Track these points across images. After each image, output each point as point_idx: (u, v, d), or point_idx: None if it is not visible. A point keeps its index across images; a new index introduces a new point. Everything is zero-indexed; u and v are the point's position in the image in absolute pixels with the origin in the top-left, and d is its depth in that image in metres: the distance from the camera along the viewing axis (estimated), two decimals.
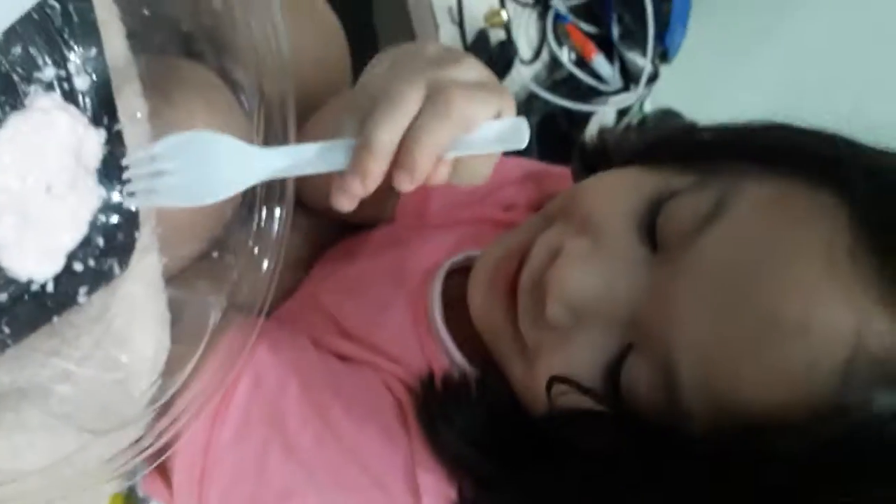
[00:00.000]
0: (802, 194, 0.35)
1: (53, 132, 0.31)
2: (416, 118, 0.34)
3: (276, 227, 0.37)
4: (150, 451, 0.32)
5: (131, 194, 0.33)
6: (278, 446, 0.41)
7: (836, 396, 0.31)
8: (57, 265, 0.31)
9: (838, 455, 0.31)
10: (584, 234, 0.39)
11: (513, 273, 0.41)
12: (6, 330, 0.31)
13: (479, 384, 0.44)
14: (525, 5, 0.80)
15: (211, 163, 0.34)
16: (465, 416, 0.42)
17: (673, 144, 0.47)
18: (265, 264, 0.37)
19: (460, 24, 0.71)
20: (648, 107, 1.07)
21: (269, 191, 0.38)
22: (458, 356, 0.46)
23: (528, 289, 0.40)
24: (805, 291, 0.32)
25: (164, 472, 0.54)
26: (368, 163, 0.34)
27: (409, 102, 0.34)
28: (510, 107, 0.37)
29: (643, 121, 0.97)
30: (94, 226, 0.34)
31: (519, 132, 0.35)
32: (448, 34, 0.71)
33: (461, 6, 0.71)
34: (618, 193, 0.40)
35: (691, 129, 0.49)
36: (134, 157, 0.34)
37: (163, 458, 0.36)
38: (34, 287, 0.31)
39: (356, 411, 0.43)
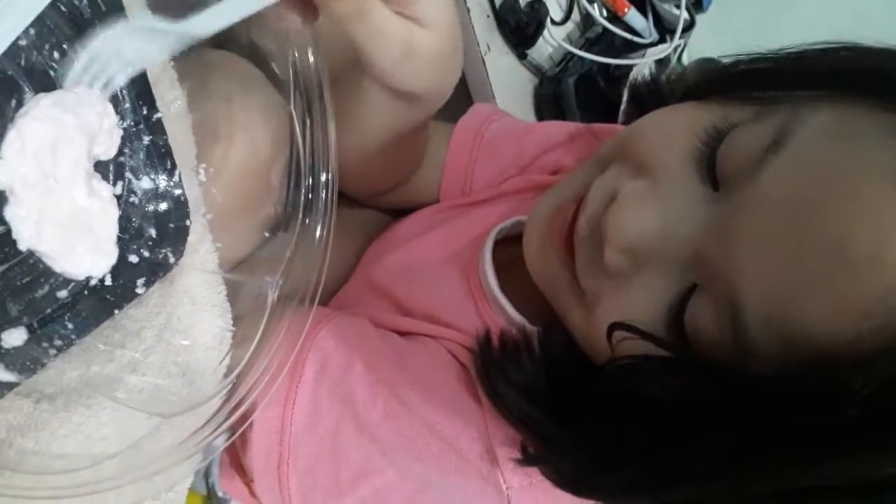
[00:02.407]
0: (867, 117, 0.33)
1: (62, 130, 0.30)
2: None
3: (323, 195, 0.36)
4: (221, 429, 0.32)
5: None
6: (350, 426, 0.41)
7: None
8: (112, 256, 0.31)
9: None
10: (641, 176, 0.38)
11: (569, 220, 0.40)
12: (70, 326, 0.30)
13: (539, 338, 0.43)
14: None
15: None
16: (525, 371, 0.41)
17: (730, 77, 0.44)
18: (318, 234, 0.36)
19: None
20: (686, 58, 1.04)
21: (314, 159, 0.37)
22: (515, 314, 0.46)
23: (586, 235, 0.39)
24: (876, 220, 0.30)
25: (241, 469, 0.55)
26: None
27: None
28: None
29: (683, 73, 0.94)
30: (145, 216, 0.34)
31: None
32: (474, 1, 0.69)
33: None
34: (674, 131, 0.38)
35: (748, 60, 0.47)
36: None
37: (234, 437, 0.36)
38: (93, 282, 0.31)
39: (423, 381, 0.43)
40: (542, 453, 0.40)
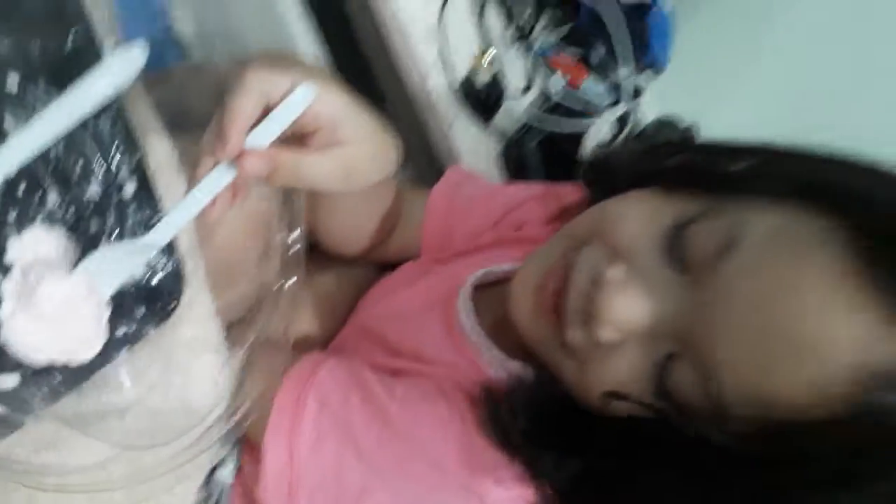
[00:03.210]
0: (803, 222, 0.40)
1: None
2: None
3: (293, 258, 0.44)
4: (211, 442, 0.39)
5: None
6: (350, 451, 0.48)
7: (852, 401, 0.36)
8: (98, 347, 0.37)
9: (855, 450, 0.36)
10: (619, 261, 0.45)
11: (555, 293, 0.47)
12: (59, 377, 0.36)
13: (536, 380, 0.50)
14: (507, 46, 0.87)
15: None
16: (529, 414, 0.47)
17: (686, 172, 0.52)
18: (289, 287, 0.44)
19: (448, 72, 0.79)
20: (650, 115, 1.12)
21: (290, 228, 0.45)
22: (496, 353, 0.52)
23: (576, 309, 0.46)
24: (817, 314, 0.37)
25: (251, 500, 0.61)
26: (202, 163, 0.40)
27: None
28: (283, 87, 0.41)
29: (642, 132, 1.03)
30: (137, 298, 0.40)
31: (305, 94, 0.41)
32: (437, 82, 0.78)
33: (445, 55, 0.79)
34: (642, 221, 0.46)
35: (674, 150, 0.55)
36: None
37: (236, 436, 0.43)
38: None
39: (410, 408, 0.49)
40: (545, 481, 0.46)
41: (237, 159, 0.39)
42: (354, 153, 0.44)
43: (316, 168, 0.43)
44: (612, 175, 0.56)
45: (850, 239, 0.38)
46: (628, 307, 0.43)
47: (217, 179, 0.40)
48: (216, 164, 0.40)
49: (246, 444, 0.59)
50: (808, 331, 0.37)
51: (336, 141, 0.43)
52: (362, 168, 0.45)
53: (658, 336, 0.43)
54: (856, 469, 0.37)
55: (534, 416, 0.47)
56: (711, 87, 1.20)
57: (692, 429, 0.40)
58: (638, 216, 0.46)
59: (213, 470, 0.58)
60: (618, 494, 0.45)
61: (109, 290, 0.37)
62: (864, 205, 0.40)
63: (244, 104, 0.40)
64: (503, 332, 0.53)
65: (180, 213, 0.40)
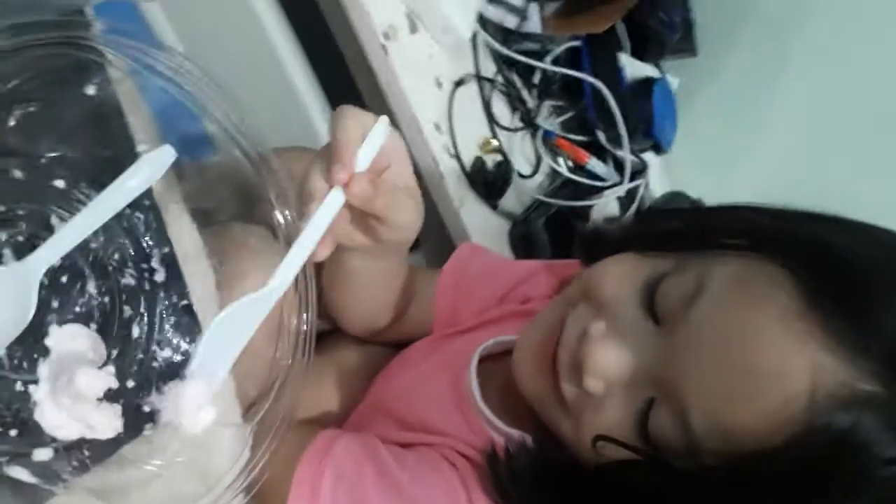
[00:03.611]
0: (758, 269, 0.45)
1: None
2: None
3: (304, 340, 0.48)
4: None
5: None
6: None
7: (805, 423, 0.39)
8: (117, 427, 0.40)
9: (815, 467, 0.39)
10: (602, 315, 0.49)
11: (551, 351, 0.51)
12: (87, 453, 0.39)
13: (536, 445, 0.52)
14: (514, 130, 0.92)
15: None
16: (529, 476, 0.50)
17: (653, 231, 0.58)
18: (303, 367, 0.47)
19: (457, 157, 0.84)
20: (658, 191, 1.16)
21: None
22: (496, 421, 0.56)
23: (567, 363, 0.50)
24: (771, 348, 0.41)
25: None
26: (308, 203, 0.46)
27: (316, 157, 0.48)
28: (369, 123, 0.48)
29: (651, 206, 1.06)
30: (161, 376, 0.43)
31: (384, 128, 0.47)
32: (447, 166, 0.83)
33: (455, 140, 0.84)
34: (621, 280, 0.50)
35: (661, 217, 0.60)
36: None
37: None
38: None
39: (421, 479, 0.52)
40: None
41: (346, 185, 0.45)
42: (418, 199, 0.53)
43: (404, 200, 0.51)
44: (600, 245, 0.60)
45: (796, 282, 0.42)
46: (609, 358, 0.47)
47: (331, 205, 0.45)
48: (329, 189, 0.46)
49: None
50: (766, 364, 0.41)
51: (402, 180, 0.51)
52: (419, 216, 0.53)
53: (638, 383, 0.46)
54: (815, 486, 0.39)
55: (533, 479, 0.50)
56: (717, 162, 1.24)
57: (672, 468, 0.44)
58: (616, 276, 0.51)
59: None
60: None
61: (239, 343, 0.42)
62: (808, 252, 0.44)
63: (353, 134, 0.46)
64: (508, 402, 0.56)
65: (300, 249, 0.44)
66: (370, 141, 0.47)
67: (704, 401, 0.42)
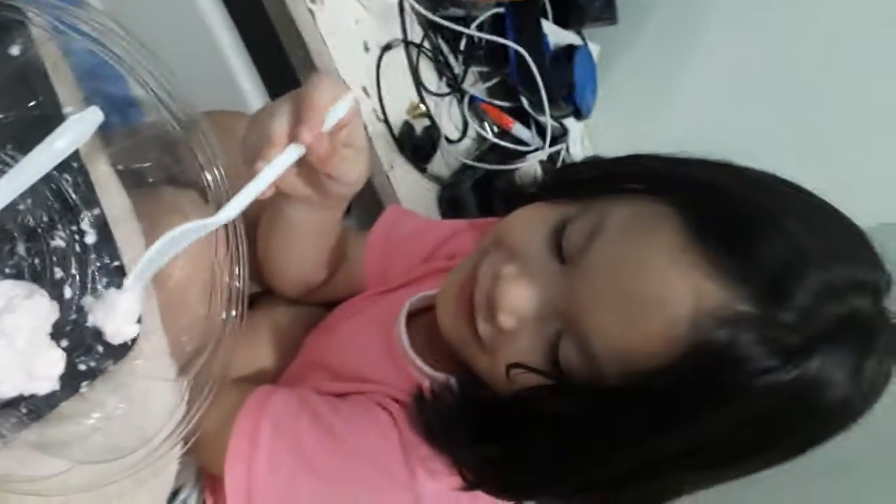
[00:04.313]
0: (649, 209, 0.49)
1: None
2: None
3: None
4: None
5: None
6: (302, 469, 0.53)
7: (690, 342, 0.44)
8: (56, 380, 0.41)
9: (698, 381, 0.44)
10: (513, 259, 0.53)
11: (469, 295, 0.55)
12: (24, 410, 0.39)
13: (457, 383, 0.57)
14: (442, 95, 0.94)
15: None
16: (451, 411, 0.55)
17: (562, 182, 0.63)
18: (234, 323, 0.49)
19: (385, 121, 0.85)
20: (579, 155, 1.21)
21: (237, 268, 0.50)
22: (425, 367, 0.60)
23: (482, 305, 0.54)
24: (658, 276, 0.46)
25: None
26: (268, 146, 0.49)
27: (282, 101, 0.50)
28: (341, 93, 0.51)
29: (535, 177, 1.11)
30: (95, 337, 0.44)
31: (347, 99, 0.51)
32: (376, 130, 0.84)
33: (383, 105, 0.86)
34: (531, 225, 0.54)
35: (571, 169, 0.64)
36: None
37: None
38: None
39: (355, 424, 0.56)
40: (471, 469, 0.54)
41: (309, 141, 0.48)
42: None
43: (355, 159, 0.55)
44: (516, 198, 0.65)
45: (682, 218, 0.46)
46: (519, 294, 0.51)
47: (289, 156, 0.48)
48: (289, 145, 0.49)
49: (207, 480, 0.63)
50: (653, 292, 0.45)
51: (356, 140, 0.54)
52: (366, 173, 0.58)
53: (546, 317, 0.50)
54: (700, 396, 0.44)
55: (454, 413, 0.55)
56: (636, 128, 1.30)
57: (578, 390, 0.48)
58: (525, 223, 0.55)
59: None
60: (521, 467, 0.53)
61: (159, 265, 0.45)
62: (693, 191, 0.49)
63: (325, 99, 0.50)
64: (434, 350, 0.61)
65: (252, 188, 0.46)
66: (336, 108, 0.50)
67: (602, 328, 0.47)
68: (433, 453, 0.54)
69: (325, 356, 0.66)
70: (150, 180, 0.53)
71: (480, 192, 0.92)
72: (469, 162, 0.93)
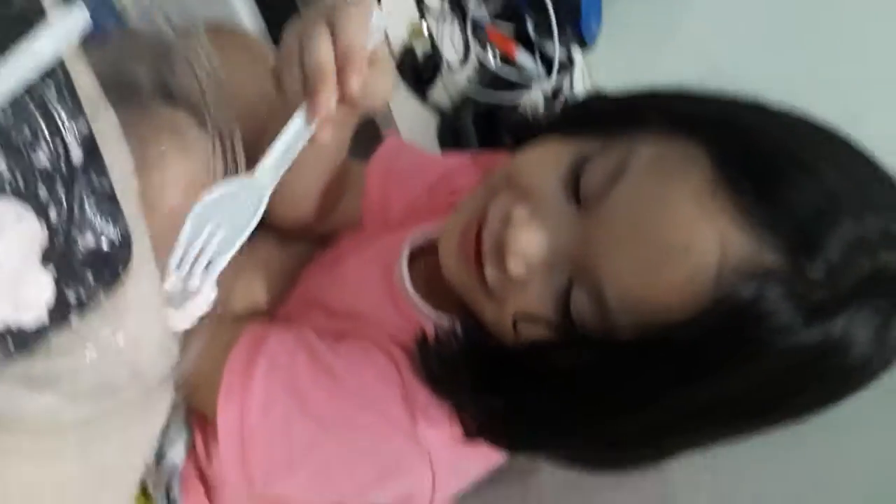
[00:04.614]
0: (676, 149, 0.46)
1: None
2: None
3: None
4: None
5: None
6: (297, 410, 0.50)
7: (714, 294, 0.42)
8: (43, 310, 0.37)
9: (721, 335, 0.42)
10: (525, 201, 0.49)
11: (474, 237, 0.52)
12: (10, 343, 0.36)
13: (461, 328, 0.54)
14: (444, 17, 0.89)
15: (229, 217, 0.42)
16: (454, 356, 0.53)
17: (579, 116, 0.59)
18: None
19: (387, 43, 0.80)
20: (581, 89, 1.16)
21: None
22: (426, 309, 0.57)
23: (491, 249, 0.50)
24: (684, 222, 0.43)
25: (202, 480, 0.63)
26: (321, 88, 0.44)
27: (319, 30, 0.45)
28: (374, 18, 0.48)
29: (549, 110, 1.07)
30: (85, 263, 0.40)
31: (379, 19, 0.48)
32: None
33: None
34: (545, 164, 0.50)
35: (591, 102, 0.60)
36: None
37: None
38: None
39: (355, 365, 0.53)
40: (474, 418, 0.52)
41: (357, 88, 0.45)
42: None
43: (384, 74, 0.51)
44: (526, 132, 0.61)
45: (710, 161, 0.43)
46: (531, 239, 0.48)
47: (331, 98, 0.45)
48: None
49: (196, 422, 0.61)
50: (677, 238, 0.42)
51: (380, 58, 0.50)
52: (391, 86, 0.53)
53: (558, 264, 0.48)
54: (715, 355, 0.43)
55: (459, 359, 0.52)
56: (639, 61, 1.25)
57: (588, 343, 0.46)
58: (539, 160, 0.51)
59: (163, 453, 0.59)
60: (526, 419, 0.51)
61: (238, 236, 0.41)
62: (722, 132, 0.46)
63: (364, 36, 0.45)
64: (437, 291, 0.57)
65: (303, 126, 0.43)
66: (372, 35, 0.47)
67: (618, 277, 0.44)
68: (434, 401, 0.51)
69: (323, 295, 0.63)
70: (139, 95, 0.48)
71: (482, 125, 0.88)
72: (472, 90, 0.88)
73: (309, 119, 0.44)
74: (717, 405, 0.45)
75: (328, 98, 0.44)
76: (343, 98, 0.45)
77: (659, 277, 0.43)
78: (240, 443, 0.49)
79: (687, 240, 0.42)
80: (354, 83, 0.44)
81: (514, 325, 0.49)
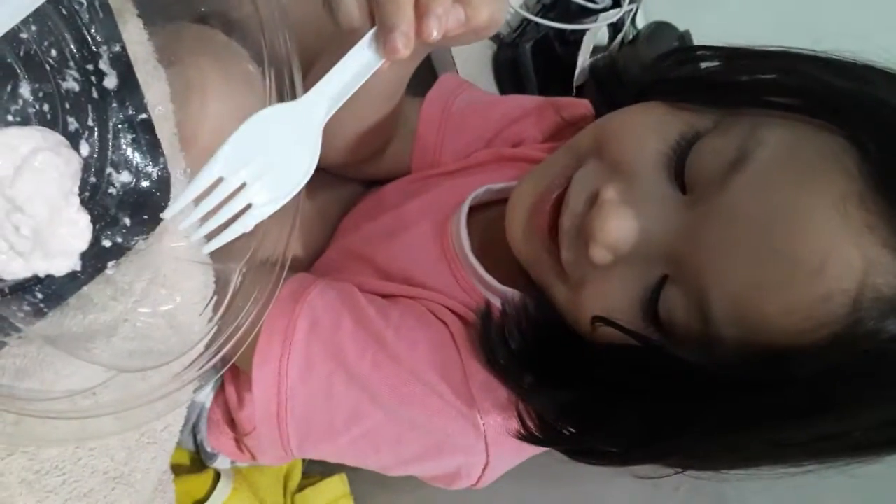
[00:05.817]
0: (816, 141, 0.37)
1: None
2: None
3: None
4: (204, 369, 0.36)
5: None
6: (341, 377, 0.46)
7: (847, 326, 0.34)
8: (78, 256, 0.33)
9: (851, 376, 0.35)
10: (618, 178, 0.42)
11: (550, 210, 0.45)
12: (39, 296, 0.32)
13: (532, 308, 0.47)
14: None
15: (276, 147, 0.34)
16: (523, 338, 0.46)
17: (695, 84, 0.47)
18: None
19: None
20: (641, 20, 1.07)
21: None
22: (487, 277, 0.50)
23: (570, 231, 0.43)
24: (820, 235, 0.35)
25: (231, 425, 0.60)
26: (396, 16, 0.35)
27: None
28: None
29: (636, 37, 0.98)
30: (121, 206, 0.36)
31: None
32: None
33: None
34: (646, 136, 0.42)
35: (695, 61, 0.50)
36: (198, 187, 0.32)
37: (223, 370, 0.40)
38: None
39: (406, 334, 0.47)
40: (534, 407, 0.45)
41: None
42: None
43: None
44: (617, 86, 0.53)
45: (863, 160, 0.35)
46: (622, 229, 0.40)
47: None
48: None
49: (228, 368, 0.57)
50: (810, 253, 0.35)
51: None
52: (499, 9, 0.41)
53: (653, 258, 0.40)
54: (838, 396, 0.36)
55: (524, 341, 0.46)
56: None
57: (677, 355, 0.39)
58: (641, 130, 0.43)
59: None
60: (600, 418, 0.44)
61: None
62: (881, 123, 0.37)
63: None
64: (496, 255, 0.51)
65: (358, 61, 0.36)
66: None
67: (729, 284, 0.37)
68: (494, 382, 0.45)
69: (368, 249, 0.57)
70: (173, 16, 0.42)
71: (541, 56, 0.80)
72: (531, 16, 0.80)
73: (379, 53, 0.36)
74: (820, 440, 0.38)
75: (408, 33, 0.35)
76: (422, 33, 0.36)
77: (780, 295, 0.36)
78: (276, 406, 0.45)
79: (822, 258, 0.35)
80: (440, 22, 0.36)
81: (592, 323, 0.42)
